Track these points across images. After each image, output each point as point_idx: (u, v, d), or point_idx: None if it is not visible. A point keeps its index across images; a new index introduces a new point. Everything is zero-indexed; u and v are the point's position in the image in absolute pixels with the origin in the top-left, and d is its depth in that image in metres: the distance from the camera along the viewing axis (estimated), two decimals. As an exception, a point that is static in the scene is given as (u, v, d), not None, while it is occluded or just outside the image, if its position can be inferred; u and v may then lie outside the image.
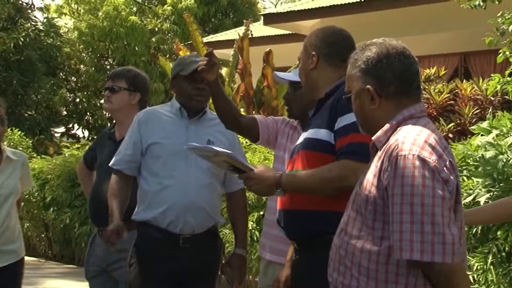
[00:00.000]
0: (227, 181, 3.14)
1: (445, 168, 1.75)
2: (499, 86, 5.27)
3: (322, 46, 2.49)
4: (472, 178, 4.28)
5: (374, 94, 1.88)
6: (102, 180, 3.30)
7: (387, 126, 1.87)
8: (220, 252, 3.17)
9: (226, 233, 5.62)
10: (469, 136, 5.85)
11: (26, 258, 3.82)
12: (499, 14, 5.34)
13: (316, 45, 2.50)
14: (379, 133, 1.88)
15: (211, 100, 2.98)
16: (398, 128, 1.85)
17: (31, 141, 11.96)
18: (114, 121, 3.64)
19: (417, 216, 1.68)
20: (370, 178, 1.84)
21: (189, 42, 11.90)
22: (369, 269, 1.79)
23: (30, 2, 18.28)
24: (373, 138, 1.90)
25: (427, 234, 1.68)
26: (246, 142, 6.31)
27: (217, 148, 2.37)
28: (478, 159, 4.37)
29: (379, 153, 1.85)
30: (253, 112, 8.95)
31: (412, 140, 1.77)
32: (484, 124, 4.90)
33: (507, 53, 5.31)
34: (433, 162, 1.73)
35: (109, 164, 3.10)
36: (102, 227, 3.38)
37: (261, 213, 5.48)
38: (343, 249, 1.87)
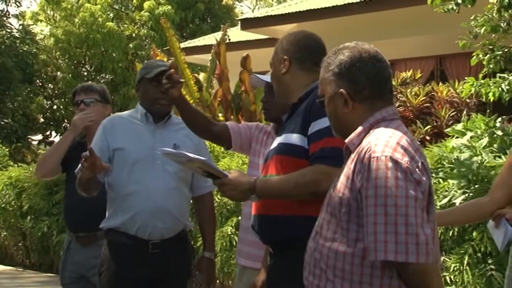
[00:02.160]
0: (194, 185, 3.13)
1: (417, 169, 1.76)
2: (473, 89, 5.33)
3: (294, 50, 2.49)
4: (448, 180, 4.32)
5: (347, 97, 1.89)
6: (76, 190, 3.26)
7: (360, 128, 1.89)
8: (190, 257, 3.16)
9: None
10: (445, 138, 5.92)
11: (4, 267, 3.78)
12: (472, 18, 5.42)
13: (287, 49, 2.50)
14: (352, 135, 1.90)
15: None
16: (371, 131, 1.87)
17: (7, 149, 11.83)
18: (83, 134, 3.68)
19: (390, 217, 1.70)
20: (343, 180, 1.85)
21: (166, 48, 11.87)
22: (344, 271, 1.80)
23: (5, 10, 18.10)
24: (346, 140, 1.91)
25: (401, 235, 1.69)
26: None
27: (191, 155, 2.36)
28: (453, 161, 4.42)
29: (352, 155, 1.87)
30: (231, 117, 8.94)
31: (385, 142, 1.78)
32: (459, 126, 4.96)
33: (480, 55, 5.38)
34: (405, 164, 1.74)
35: (75, 171, 3.03)
36: (79, 233, 3.43)
37: (240, 218, 5.47)
38: (318, 252, 1.88)
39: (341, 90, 1.90)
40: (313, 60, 2.44)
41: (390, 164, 1.73)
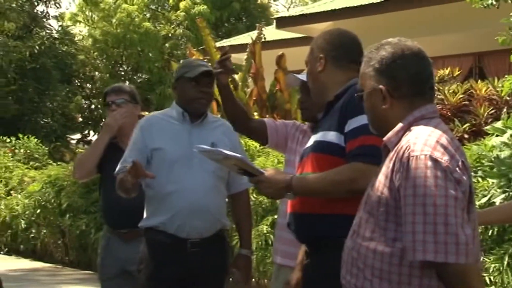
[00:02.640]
0: (230, 182, 3.13)
1: (457, 168, 1.73)
2: (513, 86, 5.23)
3: (330, 49, 2.47)
4: (487, 178, 4.25)
5: (386, 94, 1.87)
6: (114, 188, 3.29)
7: (398, 126, 1.87)
8: (228, 256, 3.15)
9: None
10: (484, 136, 5.81)
11: (43, 264, 3.86)
12: (511, 13, 5.31)
13: (323, 47, 2.48)
14: (390, 134, 1.87)
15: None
16: (410, 129, 1.84)
17: (47, 149, 12.06)
18: (114, 135, 3.72)
19: (429, 217, 1.67)
20: (382, 179, 1.83)
21: (202, 47, 11.94)
22: (382, 270, 1.78)
23: (45, 11, 18.47)
24: (384, 139, 1.89)
25: (440, 235, 1.66)
26: (260, 145, 6.31)
27: (227, 152, 2.36)
28: (493, 159, 4.34)
29: (390, 154, 1.84)
30: (267, 116, 8.94)
31: (424, 141, 1.76)
32: (499, 124, 4.87)
33: (521, 52, 5.27)
34: (445, 162, 1.72)
35: (115, 172, 3.07)
36: (122, 229, 3.48)
37: (275, 217, 5.47)
38: (356, 251, 1.86)
39: (381, 86, 1.88)
40: (349, 58, 2.43)
41: (429, 163, 1.71)
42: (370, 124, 1.98)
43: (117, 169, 3.08)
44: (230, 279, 3.14)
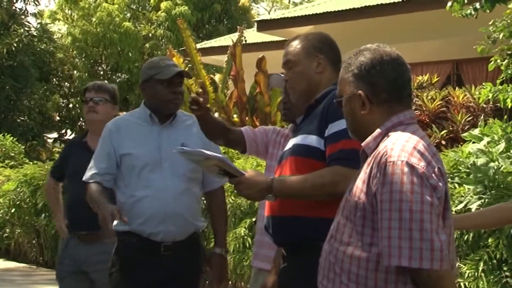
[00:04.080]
0: (205, 181, 3.09)
1: (433, 175, 1.75)
2: (490, 95, 5.29)
3: (327, 50, 2.47)
4: (464, 185, 4.29)
5: (365, 99, 1.88)
6: (79, 188, 3.20)
7: (376, 132, 1.88)
8: (202, 258, 3.12)
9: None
10: (461, 143, 5.87)
11: (17, 264, 3.86)
12: (490, 23, 5.38)
13: (321, 48, 2.46)
14: (369, 139, 1.88)
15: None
16: (387, 135, 1.85)
17: (23, 147, 11.91)
18: (85, 131, 3.80)
19: (405, 222, 1.68)
20: (359, 184, 1.84)
21: (182, 48, 11.91)
22: (359, 275, 1.79)
23: (24, 8, 18.27)
24: (362, 144, 1.90)
25: (416, 241, 1.67)
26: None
27: (208, 152, 2.35)
28: (469, 166, 4.38)
29: (368, 159, 1.86)
30: (246, 118, 8.95)
31: (401, 147, 1.77)
32: (476, 131, 4.92)
33: (498, 61, 5.34)
34: (421, 169, 1.73)
35: (84, 179, 3.02)
36: (81, 231, 3.51)
37: (253, 219, 5.47)
38: (333, 255, 1.87)
39: (359, 91, 1.89)
40: (339, 61, 2.45)
41: (406, 169, 1.72)
42: (348, 129, 1.99)
43: (87, 175, 3.02)
44: (206, 280, 3.10)
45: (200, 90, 2.70)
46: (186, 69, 9.25)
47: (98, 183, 2.96)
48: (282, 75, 2.92)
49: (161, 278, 2.93)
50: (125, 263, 2.95)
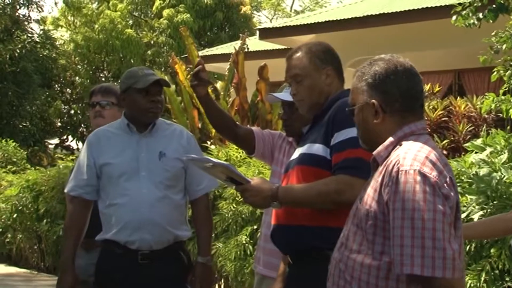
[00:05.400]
0: (188, 188, 3.07)
1: (445, 184, 1.76)
2: (493, 105, 5.31)
3: (333, 61, 2.49)
4: (466, 195, 4.29)
5: (378, 108, 1.90)
6: None
7: (388, 141, 1.89)
8: (184, 267, 3.04)
9: (219, 247, 5.62)
10: (463, 153, 5.88)
11: (18, 269, 3.83)
12: (493, 33, 5.40)
13: (327, 60, 2.48)
14: (380, 148, 1.90)
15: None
16: (399, 144, 1.87)
17: (25, 152, 11.93)
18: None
19: (418, 231, 1.69)
20: (370, 193, 1.85)
21: (184, 56, 11.94)
22: (369, 283, 1.80)
23: (27, 14, 18.33)
24: (374, 153, 1.92)
25: (428, 249, 1.68)
26: (241, 156, 6.32)
27: (214, 160, 2.37)
28: (472, 176, 4.38)
29: (379, 168, 1.87)
30: (248, 126, 8.96)
31: (413, 156, 1.78)
32: (478, 142, 4.93)
33: (501, 71, 5.36)
34: (434, 178, 1.74)
35: (66, 190, 3.05)
36: (85, 238, 3.45)
37: (255, 227, 5.48)
38: (343, 263, 1.87)
39: (373, 100, 1.90)
40: (342, 71, 2.47)
41: (418, 178, 1.73)
42: (360, 138, 2.00)
43: (68, 187, 3.04)
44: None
45: (200, 64, 2.76)
46: (188, 76, 9.29)
47: (82, 199, 3.01)
48: (275, 95, 2.95)
49: (142, 286, 2.92)
50: (107, 271, 2.97)
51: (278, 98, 2.93)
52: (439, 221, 1.71)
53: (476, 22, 5.23)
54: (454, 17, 5.29)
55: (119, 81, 3.19)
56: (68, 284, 2.94)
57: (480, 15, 5.19)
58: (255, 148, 2.97)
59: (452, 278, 1.69)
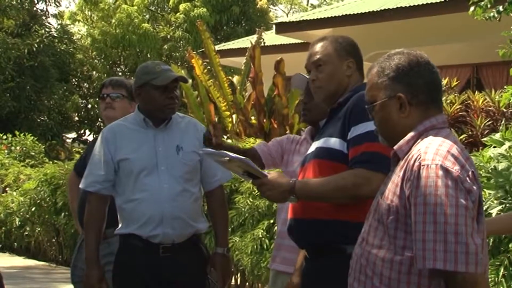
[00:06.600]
0: (203, 181, 3.09)
1: (467, 178, 1.74)
2: (512, 98, 5.26)
3: (356, 55, 2.48)
4: (484, 190, 4.26)
5: (404, 101, 1.88)
6: None
7: (409, 135, 1.88)
8: (204, 260, 3.07)
9: (235, 241, 5.63)
10: (480, 147, 5.84)
11: (37, 262, 3.84)
12: (512, 26, 5.35)
13: (351, 52, 2.48)
14: (401, 142, 1.88)
15: None
16: (420, 138, 1.86)
17: (43, 146, 12.03)
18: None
19: (440, 225, 1.68)
20: (391, 188, 1.84)
21: (201, 50, 11.95)
22: (391, 278, 1.79)
23: (45, 9, 18.47)
24: (395, 147, 1.90)
25: (450, 244, 1.67)
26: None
27: (232, 154, 2.37)
28: (490, 170, 4.35)
29: (400, 163, 1.86)
30: (264, 120, 8.97)
31: (435, 150, 1.77)
32: (497, 136, 4.88)
33: (521, 65, 5.31)
34: (456, 172, 1.73)
35: (82, 186, 3.05)
36: None
37: (271, 221, 5.49)
38: (364, 258, 1.87)
39: (399, 94, 1.88)
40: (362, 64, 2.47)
41: (440, 172, 1.72)
42: (380, 134, 1.97)
43: (84, 183, 3.05)
44: (209, 278, 3.07)
45: (213, 128, 2.81)
46: (205, 71, 9.29)
47: (99, 195, 3.01)
48: (305, 75, 2.92)
49: (162, 280, 2.94)
50: (127, 265, 2.98)
51: (305, 77, 2.88)
52: (462, 216, 1.69)
53: (496, 15, 5.18)
54: (472, 8, 5.24)
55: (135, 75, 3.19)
56: (95, 279, 2.95)
57: (500, 8, 5.13)
58: (264, 164, 3.02)
59: (475, 272, 1.68)
